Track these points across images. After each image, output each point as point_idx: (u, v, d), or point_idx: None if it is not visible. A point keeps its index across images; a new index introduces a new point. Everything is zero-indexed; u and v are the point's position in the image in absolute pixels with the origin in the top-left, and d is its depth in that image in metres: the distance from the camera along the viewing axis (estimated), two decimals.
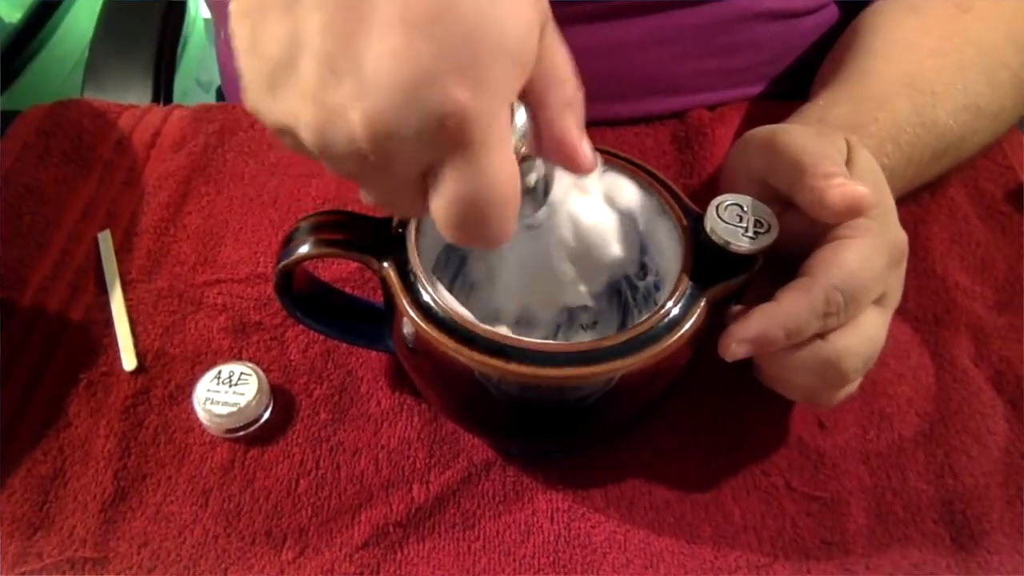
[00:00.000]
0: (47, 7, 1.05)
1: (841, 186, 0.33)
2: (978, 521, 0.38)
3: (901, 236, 0.35)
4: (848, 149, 0.36)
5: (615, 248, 0.37)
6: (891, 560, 0.37)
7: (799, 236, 0.35)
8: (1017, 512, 0.38)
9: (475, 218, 0.25)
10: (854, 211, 0.33)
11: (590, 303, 0.40)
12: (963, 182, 0.51)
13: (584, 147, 0.29)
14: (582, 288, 0.39)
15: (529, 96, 0.28)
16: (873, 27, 0.49)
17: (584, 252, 0.36)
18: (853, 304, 0.33)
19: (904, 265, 0.36)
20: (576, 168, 0.30)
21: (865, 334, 0.34)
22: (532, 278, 0.38)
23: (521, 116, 0.28)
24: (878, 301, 0.35)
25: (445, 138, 0.24)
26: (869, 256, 0.33)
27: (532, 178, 0.31)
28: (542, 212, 0.33)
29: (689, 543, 0.38)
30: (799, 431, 0.41)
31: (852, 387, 0.36)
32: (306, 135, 0.25)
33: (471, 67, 0.23)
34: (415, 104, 0.23)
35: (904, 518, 0.38)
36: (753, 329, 0.33)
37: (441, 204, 0.25)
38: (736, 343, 0.33)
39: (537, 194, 0.31)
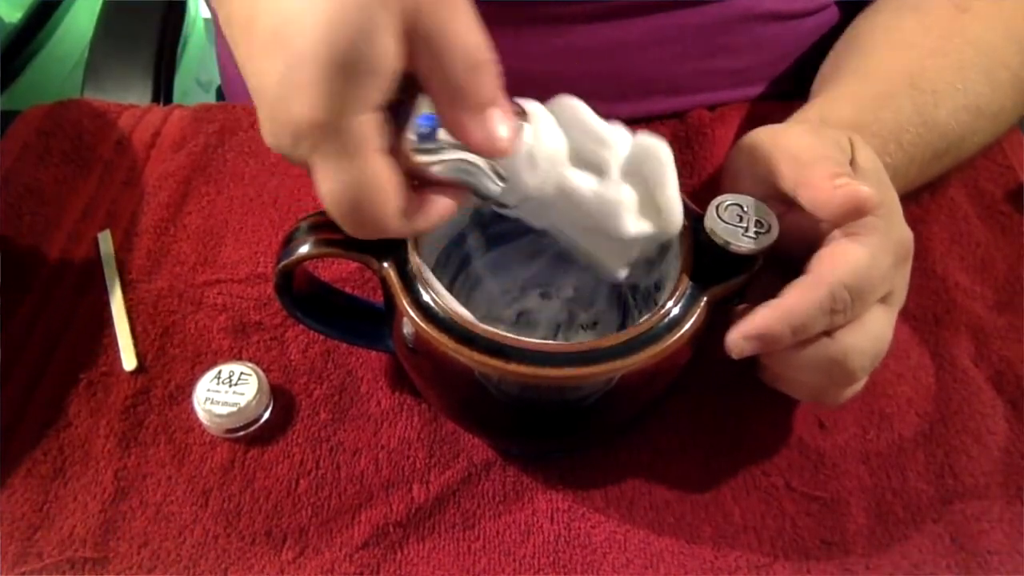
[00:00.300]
0: (47, 7, 1.05)
1: (845, 186, 0.33)
2: (978, 521, 0.38)
3: (907, 234, 0.35)
4: (851, 148, 0.36)
5: (630, 222, 0.34)
6: (891, 560, 0.37)
7: (803, 235, 0.35)
8: (1017, 512, 0.38)
9: (349, 212, 0.28)
10: (859, 211, 0.33)
11: (622, 276, 0.37)
12: (963, 182, 0.51)
13: (485, 127, 0.29)
14: (609, 258, 0.36)
15: (422, 83, 0.28)
16: (872, 27, 0.49)
17: (597, 226, 0.34)
18: (860, 302, 0.33)
19: (910, 263, 0.36)
20: (483, 152, 0.30)
21: (872, 332, 0.34)
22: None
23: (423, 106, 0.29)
24: (884, 299, 0.35)
25: (304, 147, 0.26)
26: (876, 254, 0.33)
27: (466, 160, 0.30)
28: (514, 193, 0.32)
29: (689, 543, 0.38)
30: (799, 431, 0.41)
31: (858, 386, 0.36)
32: None
33: (310, 85, 0.25)
34: (276, 120, 0.27)
35: (904, 518, 0.38)
36: (760, 325, 0.33)
37: (321, 198, 0.28)
38: (743, 339, 0.33)
39: (480, 174, 0.31)
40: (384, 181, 0.28)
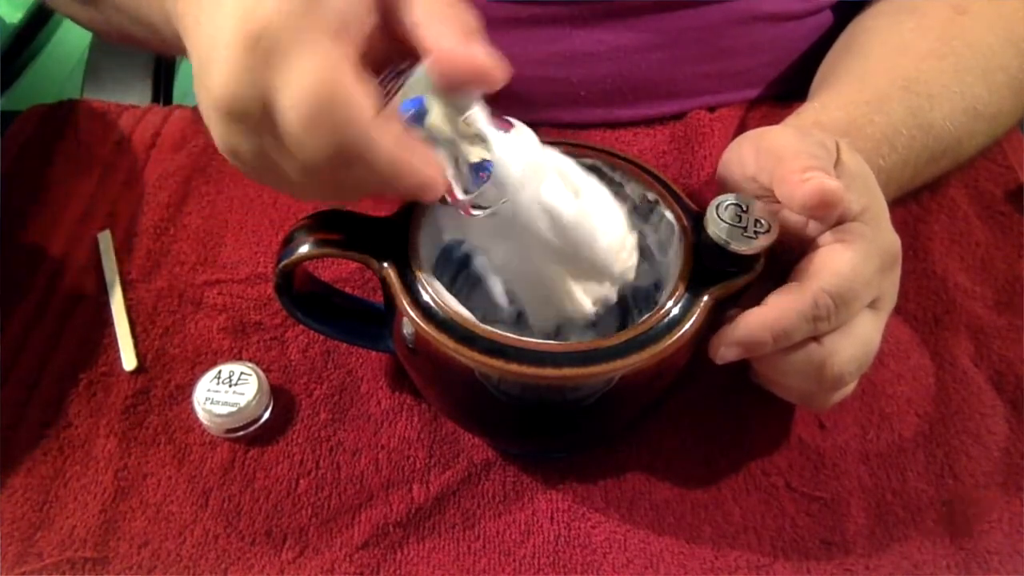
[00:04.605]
0: (48, 8, 1.05)
1: (812, 179, 0.32)
2: (978, 521, 0.38)
3: (894, 240, 0.35)
4: (837, 151, 0.36)
5: (610, 251, 0.34)
6: (891, 560, 0.37)
7: (794, 237, 0.35)
8: (1017, 512, 0.38)
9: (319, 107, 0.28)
10: (825, 204, 0.32)
11: (591, 312, 0.36)
12: (963, 182, 0.51)
13: (471, 53, 0.28)
14: (581, 295, 0.36)
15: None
16: (870, 29, 0.49)
17: (572, 254, 0.34)
18: (844, 309, 0.33)
19: (898, 269, 0.36)
20: (472, 81, 0.29)
21: (859, 338, 0.34)
22: (523, 283, 0.36)
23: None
24: (873, 305, 0.35)
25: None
26: (860, 261, 0.33)
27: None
28: (489, 194, 0.31)
29: (689, 543, 0.38)
30: (799, 431, 0.41)
31: (847, 389, 0.36)
32: None
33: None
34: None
35: (904, 518, 0.38)
36: (741, 332, 0.33)
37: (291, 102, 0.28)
38: (725, 346, 0.33)
39: (462, 171, 0.31)
40: (351, 78, 0.27)
